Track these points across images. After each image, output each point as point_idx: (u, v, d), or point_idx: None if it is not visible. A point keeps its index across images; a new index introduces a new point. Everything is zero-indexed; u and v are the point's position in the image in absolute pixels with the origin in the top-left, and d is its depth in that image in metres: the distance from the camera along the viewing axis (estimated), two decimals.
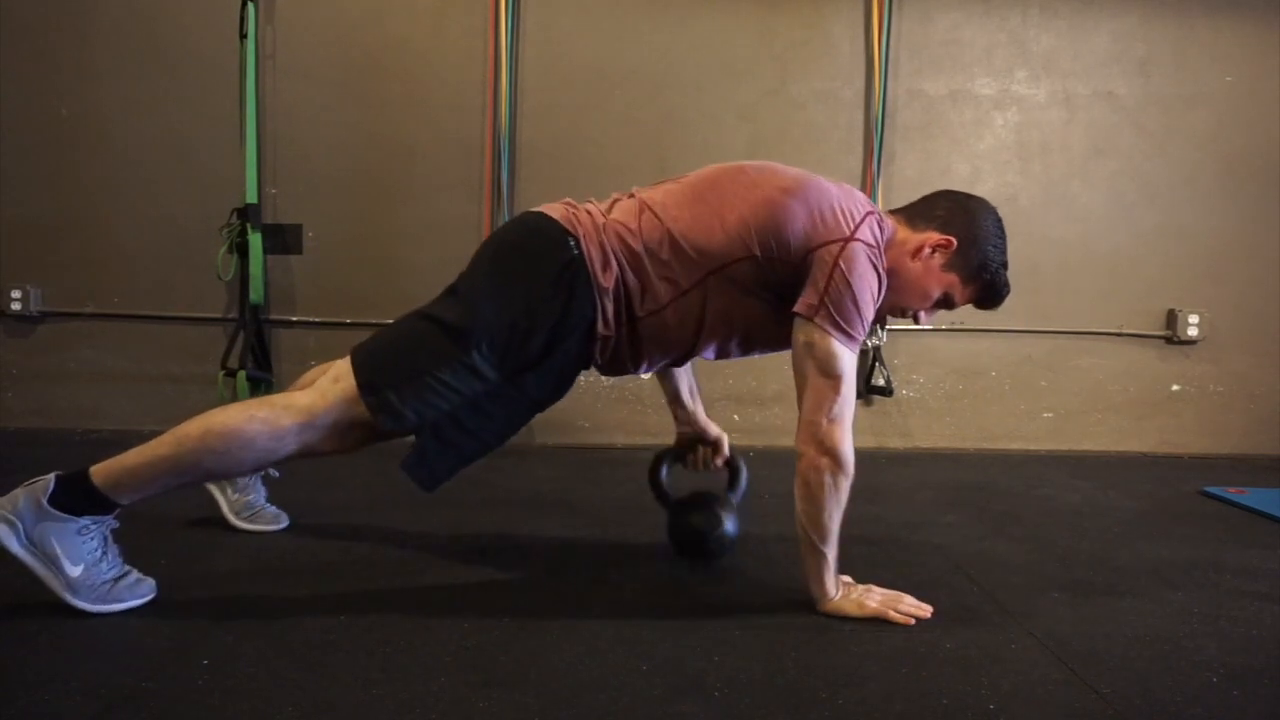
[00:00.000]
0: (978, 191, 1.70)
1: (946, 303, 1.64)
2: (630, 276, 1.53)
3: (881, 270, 1.53)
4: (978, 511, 2.34)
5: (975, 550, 1.99)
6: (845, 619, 1.53)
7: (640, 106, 3.03)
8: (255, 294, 2.88)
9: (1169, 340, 3.21)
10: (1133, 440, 3.24)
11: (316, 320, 3.02)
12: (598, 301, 1.52)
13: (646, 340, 1.58)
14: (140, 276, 2.98)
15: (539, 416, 1.63)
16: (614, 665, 1.33)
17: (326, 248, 3.00)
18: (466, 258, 1.62)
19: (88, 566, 1.41)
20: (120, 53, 2.91)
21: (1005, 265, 1.61)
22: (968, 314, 1.75)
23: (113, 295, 2.98)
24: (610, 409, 3.08)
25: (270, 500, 1.99)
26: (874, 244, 1.51)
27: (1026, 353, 3.20)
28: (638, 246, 1.53)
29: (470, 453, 1.56)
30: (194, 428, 1.43)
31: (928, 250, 1.57)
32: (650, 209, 1.56)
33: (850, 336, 1.48)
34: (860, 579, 1.63)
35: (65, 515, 1.38)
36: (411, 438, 1.53)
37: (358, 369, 1.49)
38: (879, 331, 3.06)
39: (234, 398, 2.79)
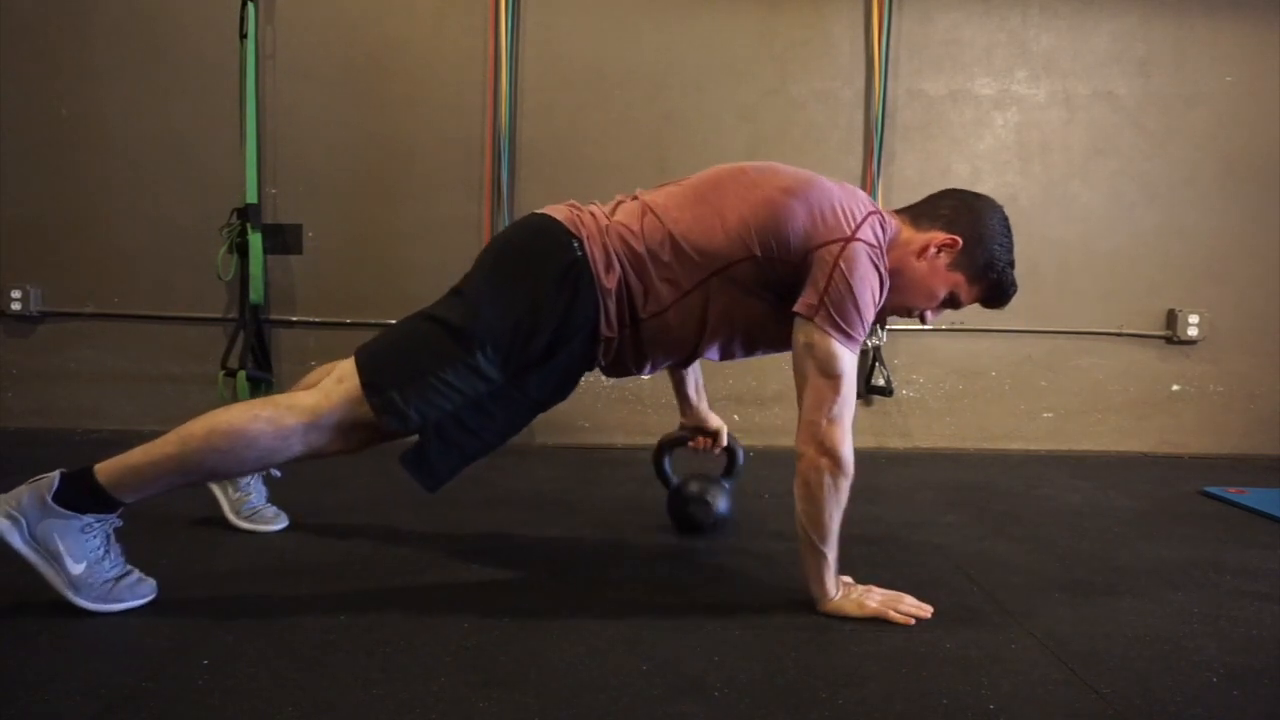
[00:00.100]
0: (977, 192, 1.70)
1: (952, 302, 1.63)
2: (633, 278, 1.53)
3: (883, 270, 1.52)
4: (978, 511, 2.34)
5: (975, 550, 1.99)
6: (845, 619, 1.53)
7: (640, 106, 3.03)
8: (255, 294, 2.89)
9: (1169, 340, 3.21)
10: (1133, 440, 3.24)
11: (316, 320, 3.02)
12: (600, 303, 1.52)
13: (649, 342, 1.58)
14: (140, 276, 2.98)
15: (540, 416, 1.63)
16: (614, 665, 1.33)
17: (326, 248, 3.00)
18: (466, 258, 1.62)
19: (90, 564, 1.41)
20: (120, 53, 2.91)
21: (1012, 264, 1.61)
22: (968, 314, 1.75)
23: (113, 295, 2.98)
24: (610, 409, 3.08)
25: (271, 500, 1.99)
26: (875, 244, 1.51)
27: (1026, 353, 3.20)
28: (640, 248, 1.53)
29: (472, 452, 1.56)
30: (198, 427, 1.43)
31: (933, 250, 1.57)
32: (652, 211, 1.56)
33: (850, 337, 1.48)
34: (860, 579, 1.63)
35: (69, 512, 1.39)
36: (414, 437, 1.53)
37: (361, 369, 1.49)
38: (879, 331, 3.06)
39: (234, 398, 2.80)
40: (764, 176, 1.57)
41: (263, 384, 2.90)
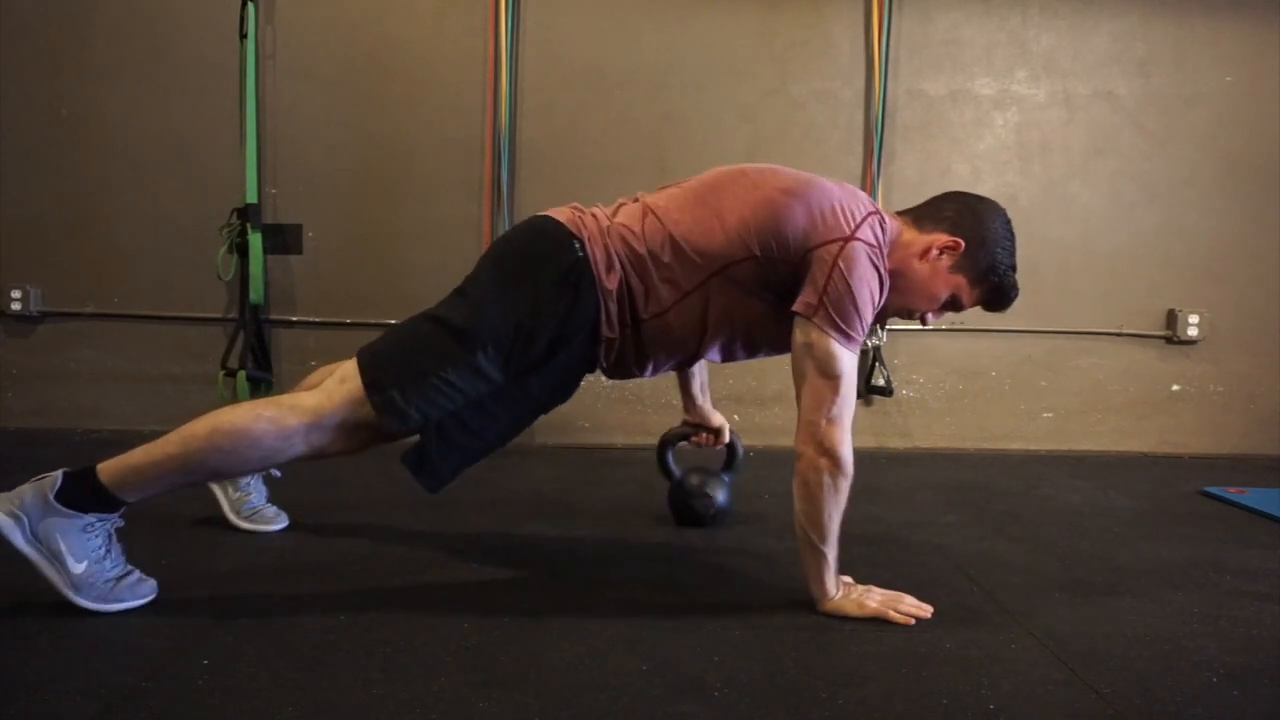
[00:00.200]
0: (977, 192, 1.70)
1: (954, 305, 1.63)
2: (634, 279, 1.54)
3: (883, 270, 1.52)
4: (978, 511, 2.34)
5: (975, 550, 1.99)
6: (845, 619, 1.53)
7: (640, 106, 3.03)
8: (255, 294, 2.88)
9: (1169, 340, 3.21)
10: (1133, 440, 3.24)
11: (316, 320, 3.02)
12: (602, 303, 1.52)
13: (650, 343, 1.59)
14: (140, 276, 2.98)
15: (540, 417, 1.63)
16: (614, 665, 1.33)
17: (326, 248, 3.00)
18: (466, 258, 1.63)
19: (91, 564, 1.41)
20: (120, 53, 2.91)
21: (1014, 268, 1.61)
22: (968, 314, 1.75)
23: (113, 295, 2.98)
24: (610, 409, 3.08)
25: (271, 500, 1.99)
26: (875, 244, 1.51)
27: (1026, 353, 3.20)
28: (641, 250, 1.54)
29: (474, 453, 1.57)
30: (201, 427, 1.43)
31: (935, 251, 1.57)
32: (653, 212, 1.57)
33: (849, 337, 1.48)
34: (860, 579, 1.63)
35: (71, 511, 1.39)
36: (415, 437, 1.53)
37: (364, 369, 1.50)
38: (879, 331, 3.06)
39: (234, 398, 2.80)
40: (764, 177, 1.57)
41: (263, 384, 2.90)
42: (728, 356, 1.68)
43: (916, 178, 3.07)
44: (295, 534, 1.93)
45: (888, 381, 3.08)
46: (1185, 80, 3.12)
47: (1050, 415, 3.23)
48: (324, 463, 1.58)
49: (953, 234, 1.57)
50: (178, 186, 2.95)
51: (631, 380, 1.94)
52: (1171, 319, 3.19)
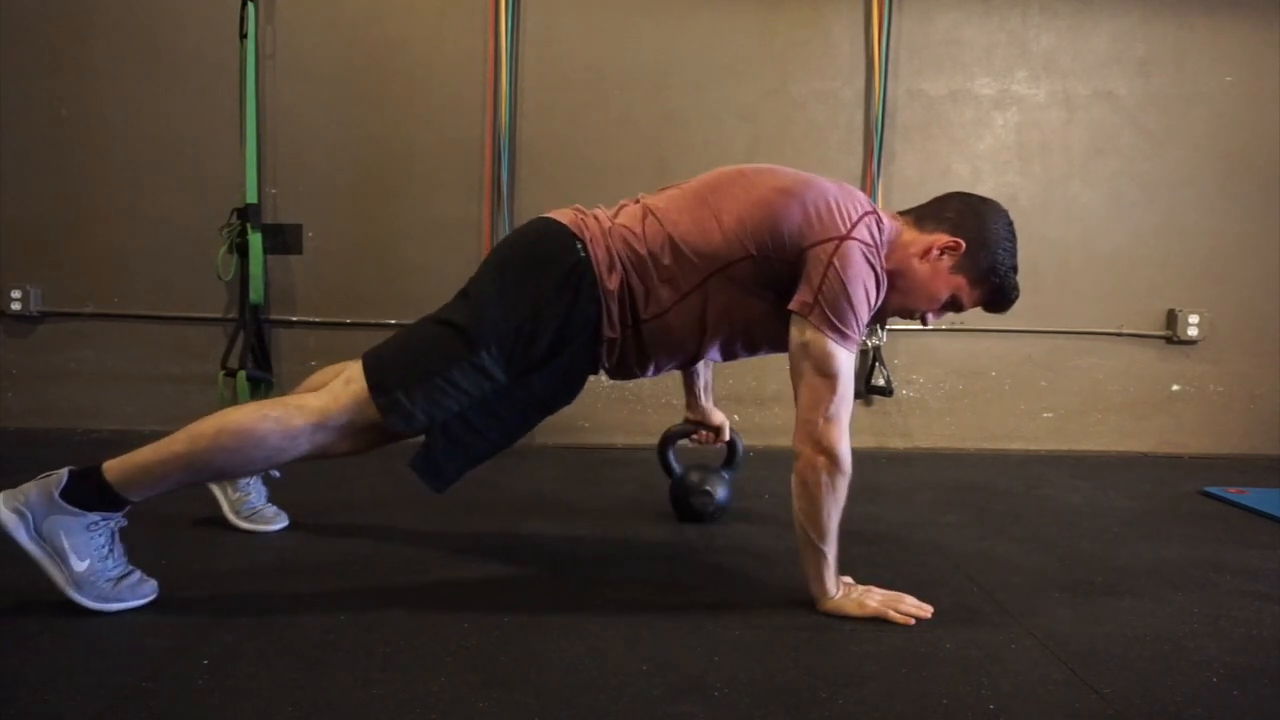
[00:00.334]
0: (977, 192, 1.70)
1: (954, 305, 1.63)
2: (635, 279, 1.55)
3: (879, 269, 1.53)
4: (978, 511, 2.34)
5: (975, 550, 1.99)
6: (845, 619, 1.53)
7: (640, 106, 3.03)
8: (255, 294, 2.88)
9: (1169, 340, 3.21)
10: (1133, 440, 3.24)
11: (316, 320, 3.02)
12: (603, 303, 1.53)
13: (651, 343, 1.59)
14: (140, 276, 2.98)
15: (545, 418, 1.64)
16: (614, 665, 1.33)
17: (326, 248, 3.00)
18: (466, 258, 1.63)
19: (93, 563, 1.41)
20: (120, 53, 2.91)
21: (1015, 269, 1.61)
22: (968, 314, 1.75)
23: (112, 295, 2.98)
24: (610, 409, 3.08)
25: (271, 500, 1.99)
26: (871, 243, 1.51)
27: (1026, 353, 3.20)
28: (642, 251, 1.55)
29: (479, 453, 1.58)
30: (207, 426, 1.44)
31: (936, 252, 1.57)
32: (653, 214, 1.58)
33: (845, 335, 1.49)
34: (860, 579, 1.63)
35: (76, 510, 1.39)
36: (420, 438, 1.54)
37: (369, 371, 1.51)
38: (879, 331, 3.06)
39: (234, 398, 2.80)
40: (761, 177, 1.58)
41: (263, 384, 2.90)
42: (729, 355, 1.69)
43: (916, 178, 3.07)
44: (295, 534, 1.93)
45: (888, 381, 3.08)
46: (1185, 80, 3.12)
47: (1050, 415, 3.23)
48: (324, 462, 1.58)
49: (954, 234, 1.57)
50: (178, 186, 2.95)
51: (633, 380, 1.94)
52: (1171, 319, 3.19)
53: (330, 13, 2.94)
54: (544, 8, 2.98)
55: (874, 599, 1.55)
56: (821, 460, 1.49)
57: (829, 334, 1.48)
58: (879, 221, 1.56)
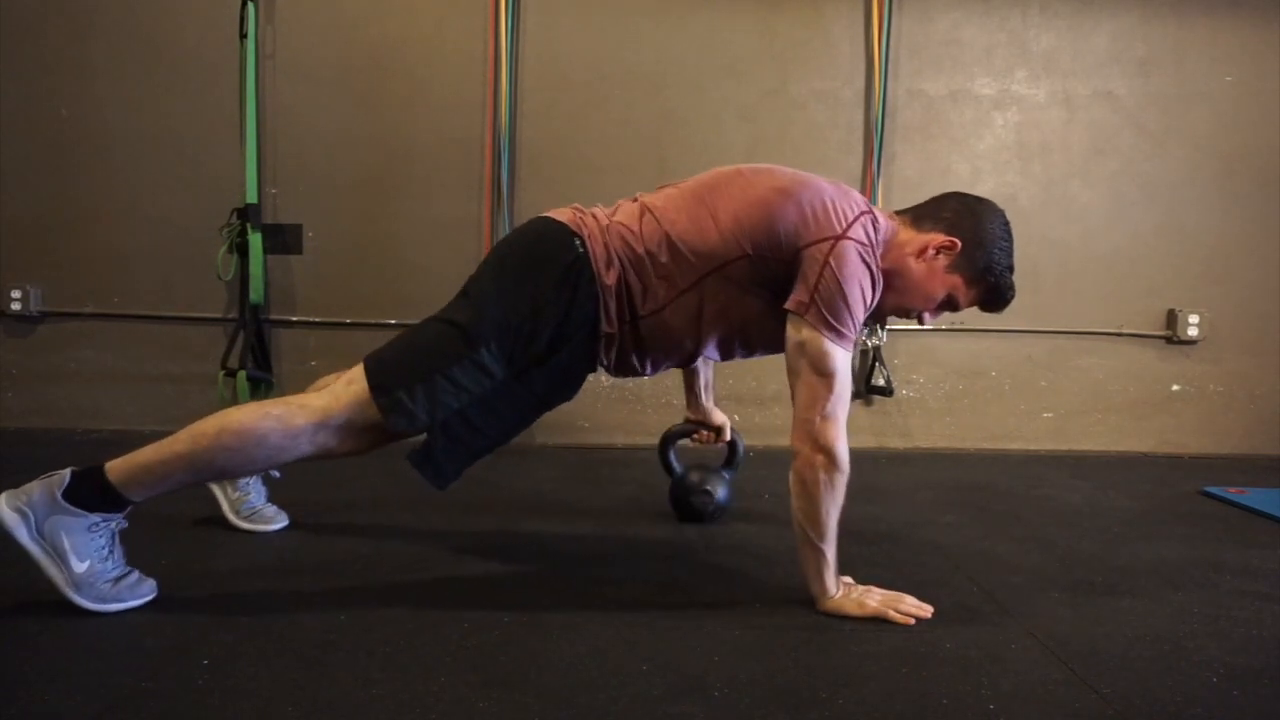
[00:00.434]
0: (977, 192, 1.70)
1: (950, 305, 1.64)
2: (632, 276, 1.56)
3: (875, 268, 1.53)
4: (978, 511, 2.34)
5: (975, 550, 1.99)
6: (845, 619, 1.53)
7: (640, 106, 3.03)
8: (255, 294, 2.88)
9: (1169, 340, 3.21)
10: (1133, 440, 3.24)
11: (316, 320, 3.02)
12: (601, 298, 1.54)
13: (648, 340, 1.60)
14: (140, 276, 2.98)
15: (543, 414, 1.64)
16: (614, 665, 1.33)
17: (326, 248, 3.00)
18: (467, 258, 1.64)
19: (93, 564, 1.42)
20: (120, 53, 2.91)
21: (1011, 269, 1.61)
22: (968, 314, 1.75)
23: (112, 295, 2.98)
24: (610, 409, 3.08)
25: (271, 500, 1.99)
26: (866, 242, 1.52)
27: (1026, 353, 3.20)
28: (639, 249, 1.56)
29: (478, 449, 1.59)
30: (209, 425, 1.45)
31: (932, 251, 1.57)
32: (651, 212, 1.59)
33: (841, 334, 1.49)
34: (860, 579, 1.63)
35: (78, 510, 1.40)
36: (422, 436, 1.55)
37: (370, 372, 1.52)
38: (879, 331, 3.06)
39: (234, 398, 2.80)
40: (759, 177, 1.58)
41: (263, 384, 2.90)
42: (726, 355, 1.69)
43: (916, 178, 3.07)
44: (295, 534, 1.93)
45: (888, 381, 3.08)
46: (1185, 80, 3.12)
47: (1050, 415, 3.23)
48: (323, 463, 1.58)
49: (950, 234, 1.57)
50: (178, 186, 2.95)
51: (632, 379, 1.95)
52: (1171, 319, 3.19)
53: (330, 13, 2.94)
54: (544, 8, 2.98)
55: (874, 599, 1.56)
56: (820, 459, 1.49)
57: (825, 333, 1.48)
58: (875, 221, 1.56)
